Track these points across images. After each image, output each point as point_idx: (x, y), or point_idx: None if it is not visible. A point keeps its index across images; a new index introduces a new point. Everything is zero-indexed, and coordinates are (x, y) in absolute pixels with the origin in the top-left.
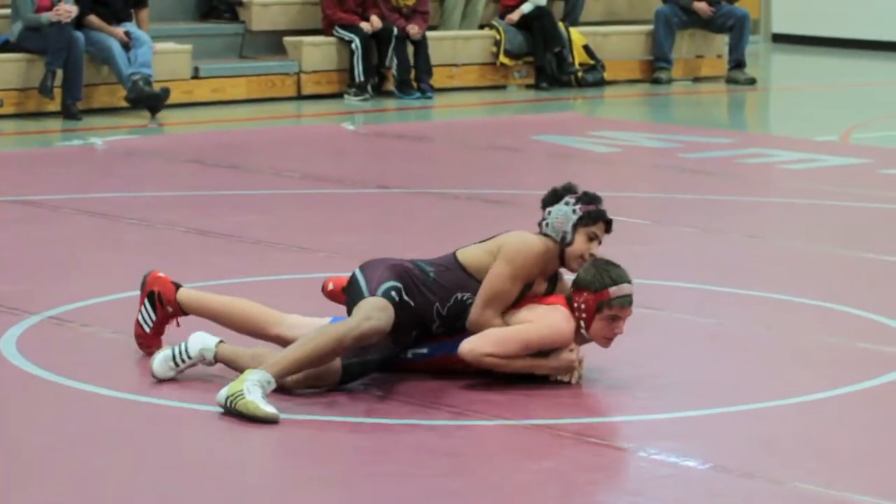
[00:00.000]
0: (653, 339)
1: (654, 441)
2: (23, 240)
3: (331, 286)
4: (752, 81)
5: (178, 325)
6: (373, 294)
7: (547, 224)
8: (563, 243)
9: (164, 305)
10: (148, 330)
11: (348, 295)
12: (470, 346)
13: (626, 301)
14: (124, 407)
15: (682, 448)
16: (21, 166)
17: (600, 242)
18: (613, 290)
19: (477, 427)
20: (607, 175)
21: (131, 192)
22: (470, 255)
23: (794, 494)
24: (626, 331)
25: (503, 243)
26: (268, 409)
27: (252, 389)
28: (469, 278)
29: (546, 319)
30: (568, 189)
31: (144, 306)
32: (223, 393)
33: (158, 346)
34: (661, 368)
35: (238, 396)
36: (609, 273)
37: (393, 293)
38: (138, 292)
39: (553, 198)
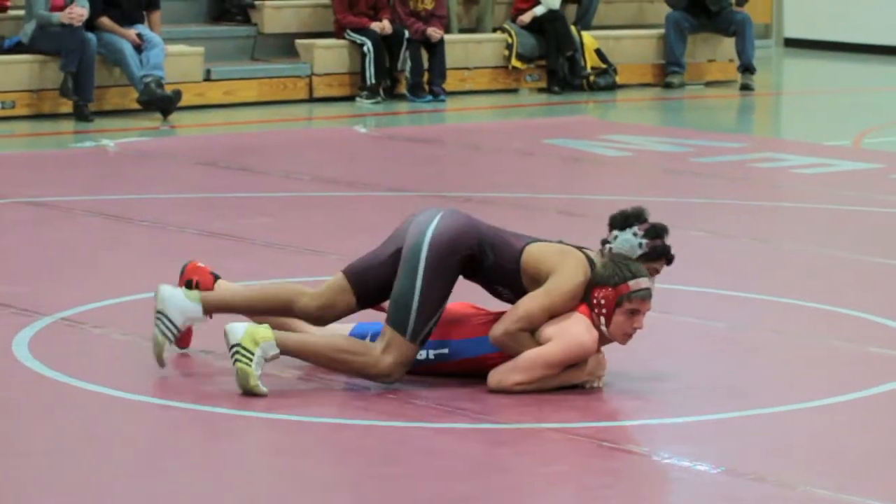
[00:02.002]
0: (664, 343)
1: (666, 445)
2: (35, 241)
3: None
4: (748, 88)
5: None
6: (416, 335)
7: (610, 249)
8: None
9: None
10: None
11: (401, 266)
12: (497, 379)
13: (646, 294)
14: (136, 409)
15: (694, 452)
16: (33, 168)
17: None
18: (633, 284)
19: (489, 430)
20: (619, 179)
21: (143, 194)
22: (533, 260)
23: (805, 498)
24: (638, 333)
25: (557, 271)
26: (260, 384)
27: (259, 363)
28: (519, 281)
29: (569, 335)
30: (637, 216)
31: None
32: (237, 333)
33: (189, 341)
34: (672, 372)
35: (244, 357)
36: (628, 267)
37: (430, 332)
38: (150, 294)
39: (622, 222)
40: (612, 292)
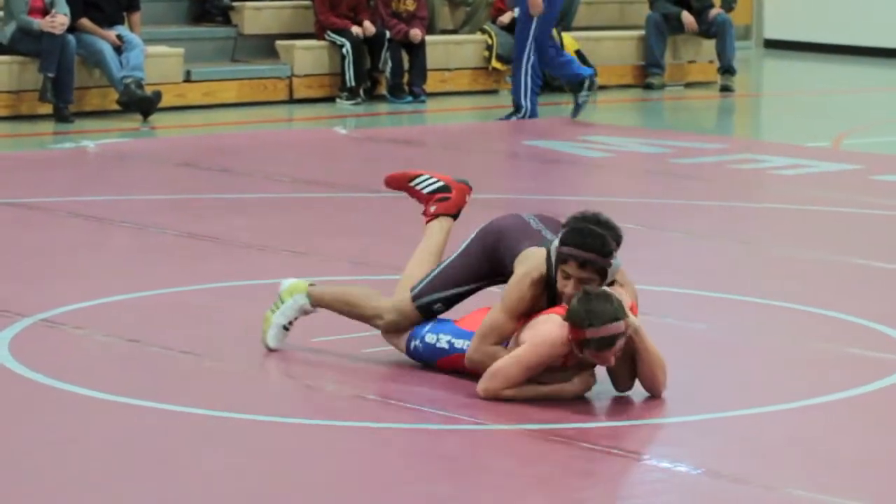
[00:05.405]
0: None
1: (647, 446)
2: (15, 242)
3: None
4: (728, 89)
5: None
6: (420, 297)
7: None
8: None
9: (432, 199)
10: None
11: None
12: (483, 387)
13: (603, 344)
14: (118, 410)
15: (674, 453)
16: (13, 169)
17: (583, 280)
18: (590, 332)
19: (469, 431)
20: (599, 180)
21: (123, 196)
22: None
23: (785, 500)
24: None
25: (513, 275)
26: (270, 340)
27: (285, 311)
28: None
29: (537, 335)
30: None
31: (434, 181)
32: (283, 286)
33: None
34: None
35: (274, 305)
36: (591, 311)
37: (436, 307)
38: (131, 295)
39: (568, 223)
40: (575, 333)
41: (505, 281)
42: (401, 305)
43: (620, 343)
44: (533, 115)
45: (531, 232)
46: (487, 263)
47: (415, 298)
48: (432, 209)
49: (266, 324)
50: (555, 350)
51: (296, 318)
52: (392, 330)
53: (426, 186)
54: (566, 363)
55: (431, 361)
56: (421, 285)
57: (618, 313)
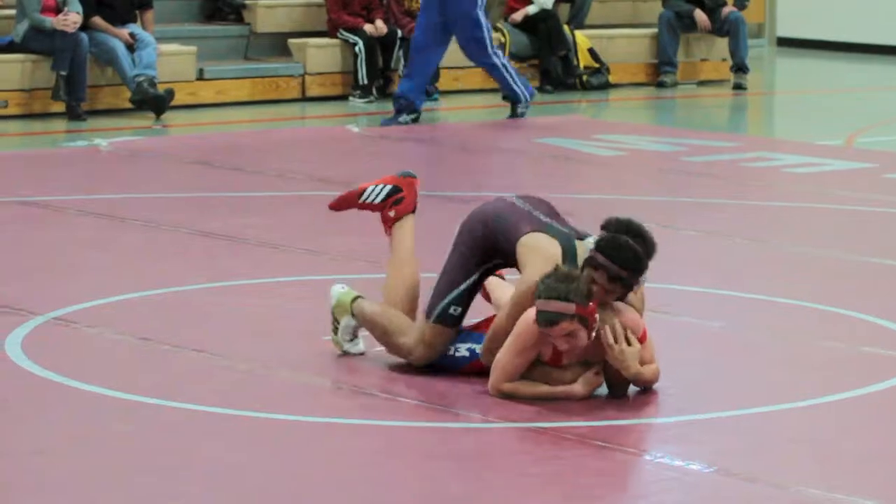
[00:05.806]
0: (656, 343)
1: (658, 445)
2: (27, 241)
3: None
4: (741, 87)
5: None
6: (431, 311)
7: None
8: None
9: (387, 205)
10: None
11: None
12: (489, 384)
13: (545, 319)
14: (129, 409)
15: (685, 452)
16: (26, 167)
17: (607, 290)
18: (539, 304)
19: (480, 430)
20: (612, 178)
21: (136, 194)
22: (521, 254)
23: (797, 498)
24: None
25: (523, 273)
26: (350, 348)
27: (345, 331)
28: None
29: (519, 320)
30: (614, 226)
31: (381, 187)
32: (332, 299)
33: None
34: (664, 372)
35: (333, 326)
36: (546, 284)
37: (452, 310)
38: (143, 293)
39: (606, 227)
40: (536, 304)
41: (504, 262)
42: (423, 335)
43: (566, 326)
44: (531, 94)
45: (521, 213)
46: (481, 251)
47: (429, 316)
48: (392, 214)
49: (338, 346)
50: (532, 328)
51: (356, 330)
52: (429, 360)
53: (376, 196)
54: (557, 361)
55: (453, 370)
56: (429, 302)
57: (569, 295)
